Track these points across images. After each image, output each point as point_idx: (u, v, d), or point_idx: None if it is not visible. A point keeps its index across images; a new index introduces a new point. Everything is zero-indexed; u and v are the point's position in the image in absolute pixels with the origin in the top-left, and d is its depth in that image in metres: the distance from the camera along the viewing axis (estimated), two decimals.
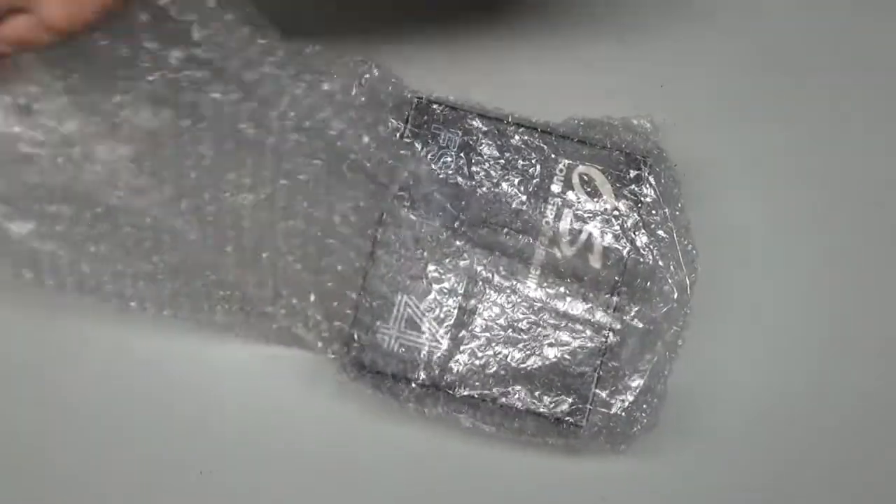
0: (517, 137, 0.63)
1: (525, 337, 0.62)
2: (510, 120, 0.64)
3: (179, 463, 0.65)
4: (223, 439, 0.66)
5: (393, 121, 0.64)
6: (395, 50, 0.68)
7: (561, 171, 0.63)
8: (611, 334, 0.61)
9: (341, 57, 0.63)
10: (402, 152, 0.62)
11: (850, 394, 0.67)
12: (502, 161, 0.63)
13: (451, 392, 0.61)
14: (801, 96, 0.69)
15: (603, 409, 0.61)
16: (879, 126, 0.70)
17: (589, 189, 0.63)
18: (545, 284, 0.62)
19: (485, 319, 0.62)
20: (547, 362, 0.61)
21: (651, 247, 0.62)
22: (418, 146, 0.63)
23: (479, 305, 0.62)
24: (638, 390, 0.61)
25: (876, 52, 0.71)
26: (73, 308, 0.67)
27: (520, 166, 0.63)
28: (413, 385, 0.62)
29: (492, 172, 0.63)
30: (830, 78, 0.70)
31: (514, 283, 0.62)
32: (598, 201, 0.63)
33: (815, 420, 0.67)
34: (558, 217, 0.63)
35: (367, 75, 0.63)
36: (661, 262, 0.62)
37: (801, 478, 0.67)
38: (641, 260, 0.62)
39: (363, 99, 0.62)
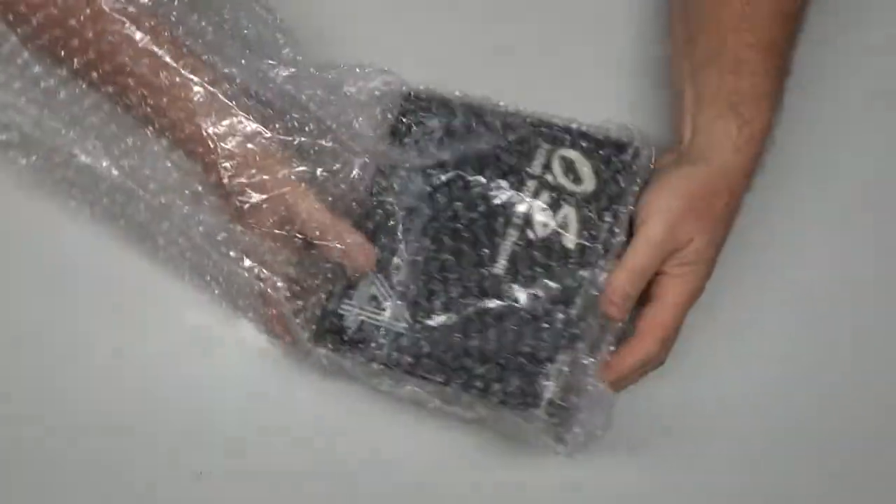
0: (500, 122, 0.64)
1: (488, 319, 0.61)
2: (494, 106, 0.64)
3: (178, 464, 0.65)
4: (222, 441, 0.66)
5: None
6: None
7: (541, 153, 0.63)
8: (575, 320, 0.60)
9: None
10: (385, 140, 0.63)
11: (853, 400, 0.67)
12: (484, 144, 0.63)
13: (410, 372, 0.61)
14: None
15: (557, 402, 0.59)
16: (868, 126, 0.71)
17: (569, 172, 0.62)
18: (515, 266, 0.61)
19: (448, 299, 0.61)
20: (507, 345, 0.60)
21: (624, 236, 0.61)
22: (404, 132, 0.64)
23: (444, 285, 0.62)
24: (585, 388, 0.59)
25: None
26: (74, 308, 0.67)
27: (501, 146, 0.63)
28: (374, 364, 0.61)
29: (470, 154, 0.63)
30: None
31: (483, 263, 0.62)
32: (577, 184, 0.62)
33: (812, 429, 0.67)
34: (535, 197, 0.62)
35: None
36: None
37: (800, 488, 0.66)
38: (614, 243, 0.61)
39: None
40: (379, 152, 0.63)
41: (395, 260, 0.63)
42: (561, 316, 0.60)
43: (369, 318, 0.62)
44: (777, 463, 0.66)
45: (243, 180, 0.60)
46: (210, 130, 0.60)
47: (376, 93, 0.65)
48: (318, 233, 0.60)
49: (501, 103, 0.65)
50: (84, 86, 0.62)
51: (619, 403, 0.60)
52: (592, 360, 0.59)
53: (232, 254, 0.62)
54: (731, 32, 0.62)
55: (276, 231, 0.61)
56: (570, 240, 0.61)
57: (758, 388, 0.67)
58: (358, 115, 0.63)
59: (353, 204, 0.63)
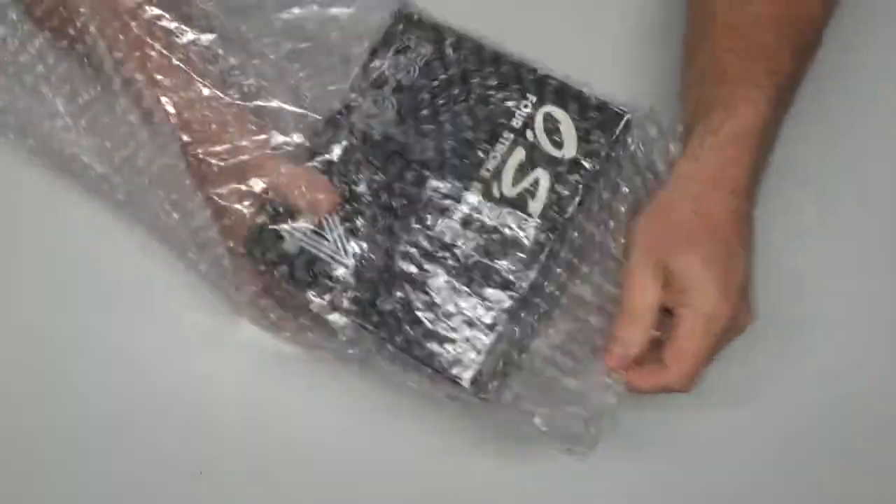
0: (490, 67, 0.60)
1: (432, 279, 0.58)
2: (488, 46, 0.61)
3: (178, 463, 0.65)
4: (221, 440, 0.66)
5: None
6: None
7: (526, 106, 0.60)
8: (520, 294, 0.57)
9: None
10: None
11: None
12: (467, 86, 0.60)
13: (348, 313, 0.58)
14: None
15: (488, 378, 0.57)
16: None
17: (552, 133, 0.59)
18: (471, 225, 0.58)
19: (396, 252, 0.58)
20: (448, 308, 0.57)
21: (599, 216, 0.59)
22: (386, 49, 0.61)
23: (392, 236, 0.59)
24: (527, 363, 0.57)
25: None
26: (74, 307, 0.67)
27: (483, 94, 0.60)
28: (310, 295, 0.59)
29: (453, 93, 0.60)
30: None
31: (439, 215, 0.59)
32: (557, 148, 0.59)
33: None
34: (509, 153, 0.59)
35: None
36: (598, 237, 0.59)
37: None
38: (584, 227, 0.59)
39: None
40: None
41: (349, 207, 0.59)
42: (510, 283, 0.57)
43: (310, 246, 0.59)
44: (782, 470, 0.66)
45: (200, 151, 0.59)
46: (165, 99, 0.60)
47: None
48: (279, 186, 0.59)
49: (497, 43, 0.61)
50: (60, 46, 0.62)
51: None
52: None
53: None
54: (723, 46, 0.61)
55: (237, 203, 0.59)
56: (535, 207, 0.58)
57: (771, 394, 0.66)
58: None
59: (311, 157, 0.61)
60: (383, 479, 0.65)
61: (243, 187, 0.59)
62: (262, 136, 0.60)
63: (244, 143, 0.59)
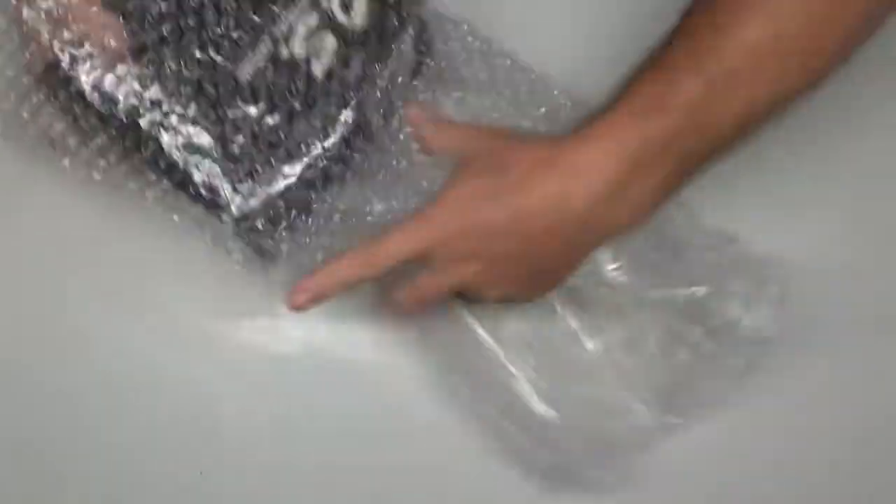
0: None
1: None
2: None
3: (178, 463, 0.65)
4: (221, 440, 0.66)
5: None
6: None
7: None
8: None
9: None
10: None
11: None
12: None
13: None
14: None
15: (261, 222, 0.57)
16: None
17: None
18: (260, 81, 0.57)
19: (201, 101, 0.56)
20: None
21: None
22: None
23: (193, 87, 0.56)
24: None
25: None
26: (73, 307, 0.67)
27: None
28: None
29: None
30: None
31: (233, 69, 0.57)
32: (346, 14, 0.58)
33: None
34: (301, 15, 0.57)
35: None
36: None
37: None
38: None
39: None
40: None
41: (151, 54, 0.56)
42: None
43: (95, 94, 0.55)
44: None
45: None
46: None
47: None
48: (61, 18, 0.54)
49: None
50: None
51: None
52: None
53: None
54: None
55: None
56: (320, 69, 0.57)
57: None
58: None
59: None
60: (383, 478, 0.65)
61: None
62: None
63: None
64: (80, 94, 0.56)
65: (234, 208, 0.56)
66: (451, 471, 0.66)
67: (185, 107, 0.56)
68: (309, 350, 0.64)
